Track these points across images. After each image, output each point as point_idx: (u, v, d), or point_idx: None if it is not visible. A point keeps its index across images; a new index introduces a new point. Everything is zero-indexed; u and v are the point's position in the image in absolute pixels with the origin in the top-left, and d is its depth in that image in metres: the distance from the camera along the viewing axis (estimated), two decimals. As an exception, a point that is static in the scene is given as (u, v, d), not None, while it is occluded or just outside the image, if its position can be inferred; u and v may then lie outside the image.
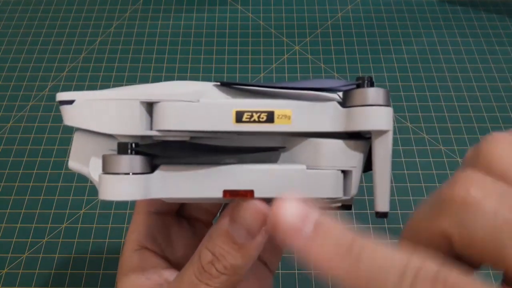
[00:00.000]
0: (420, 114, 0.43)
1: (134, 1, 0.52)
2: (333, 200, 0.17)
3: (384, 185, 0.16)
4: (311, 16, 0.51)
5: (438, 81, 0.45)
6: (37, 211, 0.37)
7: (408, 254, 0.12)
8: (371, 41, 0.48)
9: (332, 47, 0.48)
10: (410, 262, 0.11)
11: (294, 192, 0.15)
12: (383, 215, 0.16)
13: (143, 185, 0.15)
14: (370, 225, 0.36)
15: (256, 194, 0.16)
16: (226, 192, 0.16)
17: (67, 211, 0.37)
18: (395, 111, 0.43)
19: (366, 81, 0.16)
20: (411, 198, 0.38)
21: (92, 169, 0.17)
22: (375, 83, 0.16)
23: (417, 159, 0.40)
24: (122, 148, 0.15)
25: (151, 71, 0.46)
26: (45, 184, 0.39)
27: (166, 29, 0.49)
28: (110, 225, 0.36)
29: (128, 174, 0.15)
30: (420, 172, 0.39)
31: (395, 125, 0.42)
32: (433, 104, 0.44)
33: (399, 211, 0.37)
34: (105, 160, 0.15)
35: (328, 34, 0.49)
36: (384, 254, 0.12)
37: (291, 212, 0.13)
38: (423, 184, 0.39)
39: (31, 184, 0.39)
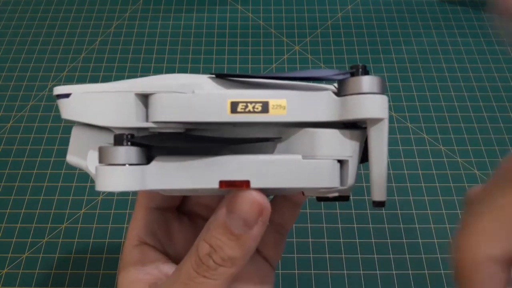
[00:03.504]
0: (420, 114, 0.43)
1: (134, 1, 0.52)
2: (330, 190, 0.17)
3: (380, 174, 0.16)
4: (311, 16, 0.51)
5: (438, 81, 0.45)
6: (37, 211, 0.37)
7: None
8: (371, 41, 0.48)
9: (332, 47, 0.48)
10: None
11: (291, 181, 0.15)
12: (380, 204, 0.16)
13: (139, 176, 0.15)
14: (370, 225, 0.36)
15: (252, 185, 0.16)
16: (222, 183, 0.16)
17: (67, 211, 0.37)
18: (395, 111, 0.43)
19: (360, 69, 0.16)
20: (411, 198, 0.38)
21: (90, 162, 0.17)
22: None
23: (417, 159, 0.40)
24: (118, 140, 0.15)
25: (151, 71, 0.46)
26: (45, 184, 0.39)
27: (166, 29, 0.49)
28: (110, 225, 0.36)
29: (124, 165, 0.15)
30: (420, 172, 0.39)
31: (395, 125, 0.42)
32: (433, 104, 0.44)
33: (399, 211, 0.37)
34: (102, 151, 0.15)
35: (328, 34, 0.49)
36: None
37: None
38: (423, 184, 0.39)
39: (31, 184, 0.39)
